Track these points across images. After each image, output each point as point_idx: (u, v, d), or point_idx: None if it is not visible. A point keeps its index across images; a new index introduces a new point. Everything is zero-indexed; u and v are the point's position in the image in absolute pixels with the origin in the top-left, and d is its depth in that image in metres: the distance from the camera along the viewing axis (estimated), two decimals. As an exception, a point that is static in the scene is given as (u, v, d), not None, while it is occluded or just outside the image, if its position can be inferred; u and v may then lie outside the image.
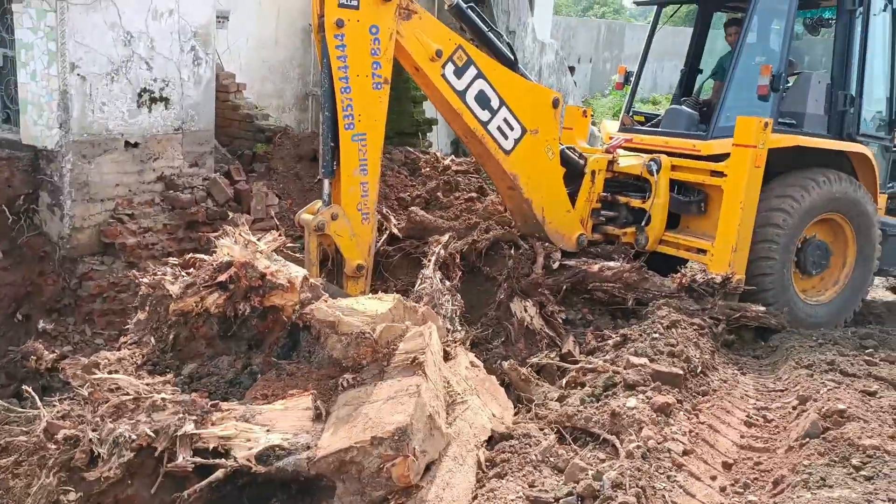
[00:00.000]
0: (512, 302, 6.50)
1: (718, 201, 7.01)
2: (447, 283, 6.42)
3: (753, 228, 6.84)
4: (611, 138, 8.05)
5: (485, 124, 6.32)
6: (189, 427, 3.93)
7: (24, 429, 4.62)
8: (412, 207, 8.06)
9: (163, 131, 7.47)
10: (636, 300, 6.87)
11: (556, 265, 6.93)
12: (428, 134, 11.86)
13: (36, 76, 6.79)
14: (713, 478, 4.29)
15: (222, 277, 4.90)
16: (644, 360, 5.23)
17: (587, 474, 3.94)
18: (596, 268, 6.91)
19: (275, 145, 9.33)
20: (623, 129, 8.35)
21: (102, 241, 7.05)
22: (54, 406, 4.51)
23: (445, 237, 6.89)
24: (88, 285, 6.81)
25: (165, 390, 4.47)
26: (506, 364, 5.67)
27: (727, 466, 4.43)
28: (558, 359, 6.10)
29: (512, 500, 3.86)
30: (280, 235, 6.00)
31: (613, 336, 6.15)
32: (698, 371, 5.43)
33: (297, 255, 6.89)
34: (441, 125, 12.37)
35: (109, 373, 4.71)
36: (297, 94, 11.48)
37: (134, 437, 3.87)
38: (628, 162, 7.62)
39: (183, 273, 5.25)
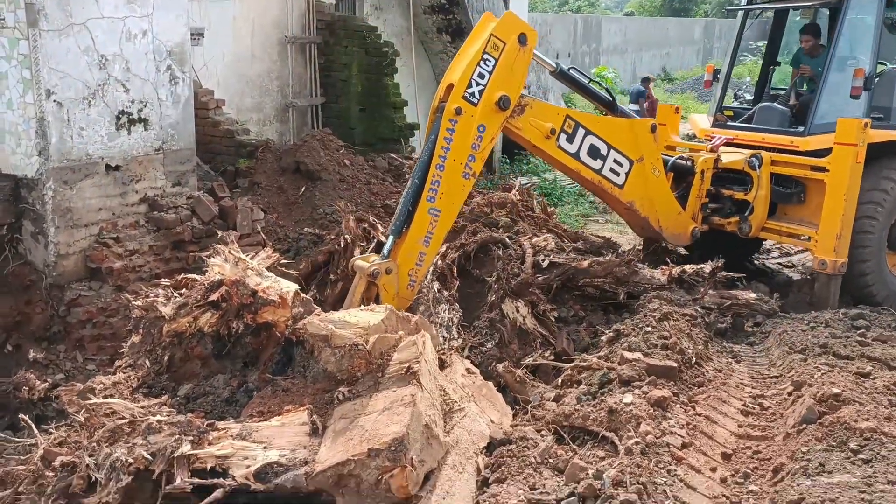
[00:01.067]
0: (503, 303, 6.50)
1: (817, 192, 7.79)
2: (445, 293, 6.45)
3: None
4: (708, 135, 8.79)
5: (598, 171, 7.05)
6: (186, 448, 3.92)
7: (21, 458, 4.61)
8: (398, 214, 8.04)
9: (143, 152, 7.43)
10: (627, 294, 6.90)
11: (545, 263, 6.94)
12: (410, 139, 11.85)
13: (12, 105, 6.73)
14: (713, 469, 4.30)
15: (214, 296, 4.89)
16: (638, 355, 5.23)
17: (587, 474, 3.95)
18: (585, 264, 6.92)
19: (257, 160, 9.31)
20: (716, 125, 9.05)
21: (89, 267, 6.99)
22: (51, 434, 4.49)
23: (443, 247, 6.92)
24: (77, 312, 6.76)
25: (161, 412, 4.45)
26: (500, 366, 5.68)
27: (726, 457, 4.44)
28: (553, 358, 6.12)
29: (514, 504, 3.86)
30: (274, 252, 6.01)
31: (606, 332, 6.16)
32: (692, 362, 5.44)
33: (291, 271, 6.90)
34: (423, 130, 12.35)
35: (105, 397, 4.70)
36: (277, 106, 11.46)
37: (131, 460, 3.86)
38: (731, 158, 8.25)
39: (175, 294, 5.24)
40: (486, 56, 6.04)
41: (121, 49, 7.07)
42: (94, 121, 6.98)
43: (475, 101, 6.01)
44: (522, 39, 6.23)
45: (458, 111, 5.93)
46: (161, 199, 7.56)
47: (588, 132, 6.86)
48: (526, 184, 10.64)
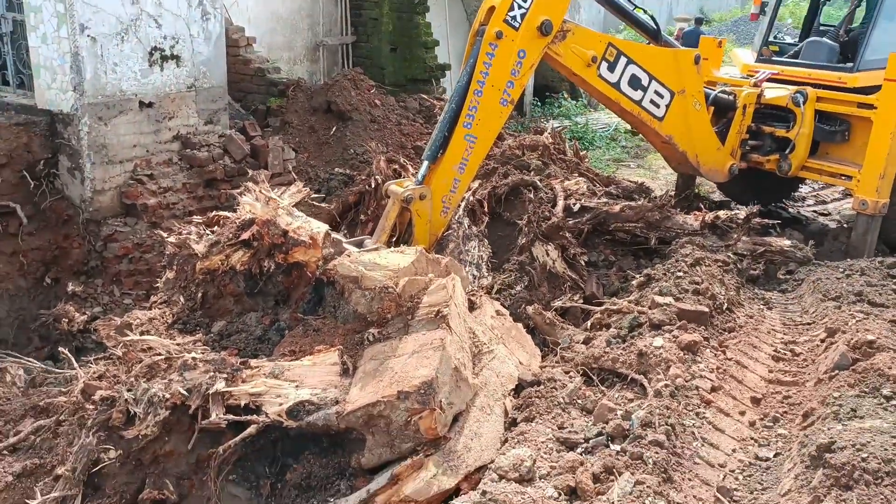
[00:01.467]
0: (534, 246, 6.48)
1: (862, 130, 7.55)
2: (474, 228, 6.43)
3: None
4: (751, 71, 8.51)
5: (639, 102, 6.89)
6: (220, 385, 4.00)
7: (62, 389, 4.74)
8: (430, 155, 8.00)
9: (176, 90, 7.44)
10: (659, 239, 6.85)
11: (576, 207, 6.89)
12: (441, 80, 11.71)
13: (47, 39, 6.74)
14: (742, 413, 4.31)
15: (245, 235, 4.93)
16: (669, 299, 5.22)
17: (616, 414, 3.98)
18: (617, 208, 6.86)
19: (288, 98, 9.26)
20: (761, 59, 8.78)
21: (124, 203, 7.09)
22: (90, 367, 4.60)
23: (474, 184, 6.87)
24: (114, 247, 6.87)
25: (196, 349, 4.55)
26: (530, 308, 5.70)
27: (756, 401, 4.45)
28: (582, 301, 6.12)
29: (542, 442, 3.91)
30: (303, 187, 6.02)
31: (637, 276, 6.13)
32: (724, 308, 5.41)
33: (323, 204, 6.91)
34: (454, 70, 12.20)
35: (141, 333, 4.80)
36: (308, 44, 11.34)
37: (168, 395, 3.95)
38: (774, 94, 8.04)
39: (207, 231, 5.29)
40: None
41: (152, -16, 7.03)
42: (128, 56, 6.98)
43: (516, 24, 5.80)
44: None
45: (499, 35, 5.74)
46: (193, 137, 7.59)
47: (630, 61, 6.69)
48: (557, 127, 10.51)
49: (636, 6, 7.20)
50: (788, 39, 10.45)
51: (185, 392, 3.94)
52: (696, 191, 9.34)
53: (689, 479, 3.65)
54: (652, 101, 6.92)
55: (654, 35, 7.18)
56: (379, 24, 11.40)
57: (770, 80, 8.25)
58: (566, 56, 6.32)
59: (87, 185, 6.87)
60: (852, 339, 4.53)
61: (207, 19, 7.56)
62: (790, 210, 9.78)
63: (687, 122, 7.24)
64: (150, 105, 7.24)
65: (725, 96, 7.95)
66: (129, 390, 4.05)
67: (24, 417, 4.65)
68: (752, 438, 4.10)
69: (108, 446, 3.96)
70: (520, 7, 5.80)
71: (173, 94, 7.42)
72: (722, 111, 8.02)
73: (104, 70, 6.82)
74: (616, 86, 6.69)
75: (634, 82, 6.77)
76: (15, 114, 7.00)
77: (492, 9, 5.85)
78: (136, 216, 7.09)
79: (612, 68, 6.60)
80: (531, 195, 6.98)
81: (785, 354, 4.99)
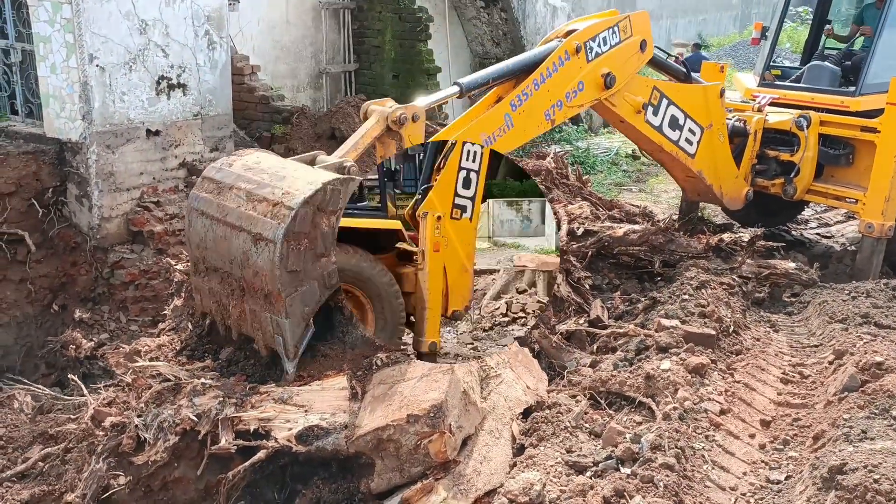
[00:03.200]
0: (539, 270, 6.51)
1: (866, 154, 7.58)
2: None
3: None
4: (753, 95, 8.51)
5: (676, 142, 7.04)
6: (230, 410, 4.01)
7: (70, 416, 4.74)
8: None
9: (182, 118, 7.51)
10: (663, 262, 6.86)
11: (580, 231, 6.92)
12: (443, 106, 11.77)
13: (56, 69, 6.82)
14: (752, 436, 4.31)
15: (253, 261, 4.93)
16: (675, 322, 5.23)
17: (625, 437, 3.97)
18: (621, 232, 6.88)
19: (292, 125, 9.33)
20: (763, 84, 8.80)
21: (131, 230, 7.13)
22: (99, 393, 4.60)
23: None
24: (120, 273, 6.90)
25: (205, 375, 4.53)
26: (536, 332, 5.70)
27: (765, 424, 4.44)
28: (587, 325, 6.12)
29: (551, 465, 3.91)
30: None
31: (642, 299, 6.14)
32: (730, 330, 5.43)
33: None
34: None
35: (150, 360, 4.80)
36: (311, 72, 11.45)
37: (177, 421, 3.95)
38: (778, 118, 8.07)
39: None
40: (615, 29, 6.11)
41: (160, 13, 7.12)
42: (135, 86, 7.05)
43: (589, 57, 6.01)
44: (643, 46, 6.42)
45: (578, 49, 5.90)
46: (199, 165, 7.64)
47: (670, 102, 6.85)
48: (559, 152, 10.56)
49: (668, 54, 7.35)
50: (788, 63, 10.53)
51: (194, 417, 3.95)
52: (700, 213, 9.36)
53: (701, 503, 3.64)
54: (686, 139, 7.06)
55: (683, 79, 7.32)
56: (381, 51, 11.52)
57: (772, 104, 8.30)
58: (620, 105, 6.46)
59: (95, 212, 6.91)
60: (860, 360, 4.54)
61: (213, 48, 7.65)
62: (793, 233, 9.80)
63: (714, 156, 7.36)
64: (156, 133, 7.31)
65: (741, 125, 8.02)
66: (139, 416, 4.05)
67: (32, 444, 4.65)
68: (762, 461, 4.09)
69: (117, 472, 3.95)
70: (600, 45, 6.04)
71: (180, 122, 7.49)
72: (730, 137, 8.06)
73: (112, 99, 6.90)
74: (659, 129, 6.83)
75: (673, 123, 6.92)
76: (24, 142, 7.07)
77: (570, 32, 6.02)
78: (142, 243, 7.12)
79: (656, 112, 6.75)
80: (535, 220, 7.02)
81: (793, 377, 4.99)
